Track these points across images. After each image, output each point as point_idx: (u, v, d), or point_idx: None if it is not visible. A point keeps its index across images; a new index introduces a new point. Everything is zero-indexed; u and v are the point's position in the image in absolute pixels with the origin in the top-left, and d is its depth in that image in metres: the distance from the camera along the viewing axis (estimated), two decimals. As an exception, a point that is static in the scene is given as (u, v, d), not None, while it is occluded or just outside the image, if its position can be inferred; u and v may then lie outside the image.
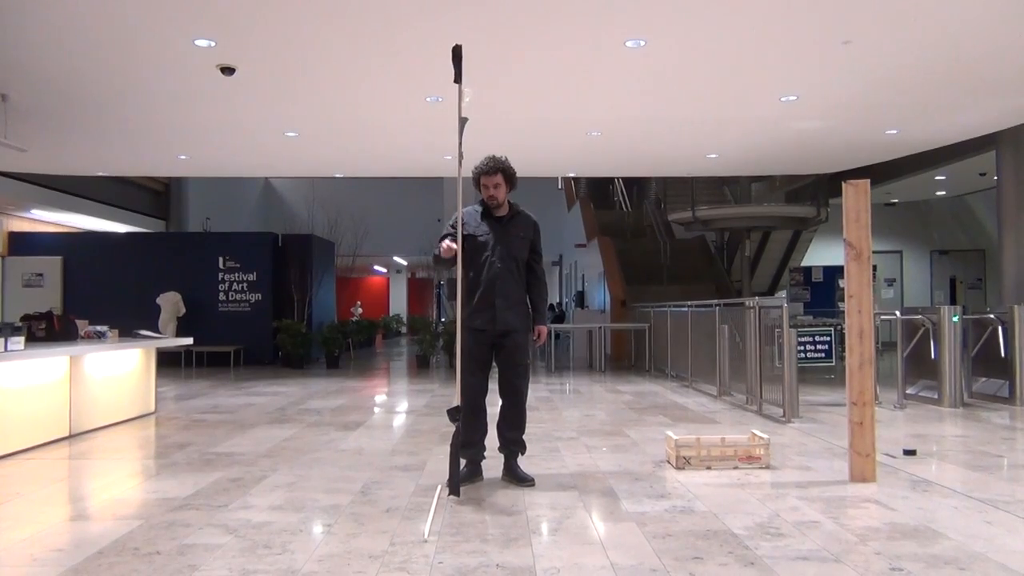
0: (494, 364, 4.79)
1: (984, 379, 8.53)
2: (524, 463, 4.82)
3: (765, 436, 5.20)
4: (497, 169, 4.66)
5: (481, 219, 4.73)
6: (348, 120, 9.35)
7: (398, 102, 8.52)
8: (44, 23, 6.26)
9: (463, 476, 4.56)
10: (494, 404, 4.76)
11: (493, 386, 4.77)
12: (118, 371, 7.36)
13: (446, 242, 4.54)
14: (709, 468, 4.98)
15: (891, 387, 8.39)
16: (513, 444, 4.76)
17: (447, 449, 4.52)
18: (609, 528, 3.76)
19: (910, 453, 5.47)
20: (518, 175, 4.80)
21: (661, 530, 3.68)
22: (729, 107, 8.84)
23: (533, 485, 4.61)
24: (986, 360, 8.46)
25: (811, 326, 7.82)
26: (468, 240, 4.59)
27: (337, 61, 7.22)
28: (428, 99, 8.36)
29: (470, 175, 4.71)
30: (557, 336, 15.18)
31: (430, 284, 29.03)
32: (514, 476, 4.69)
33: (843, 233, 4.75)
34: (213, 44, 6.68)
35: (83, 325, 7.46)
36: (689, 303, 10.66)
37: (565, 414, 7.74)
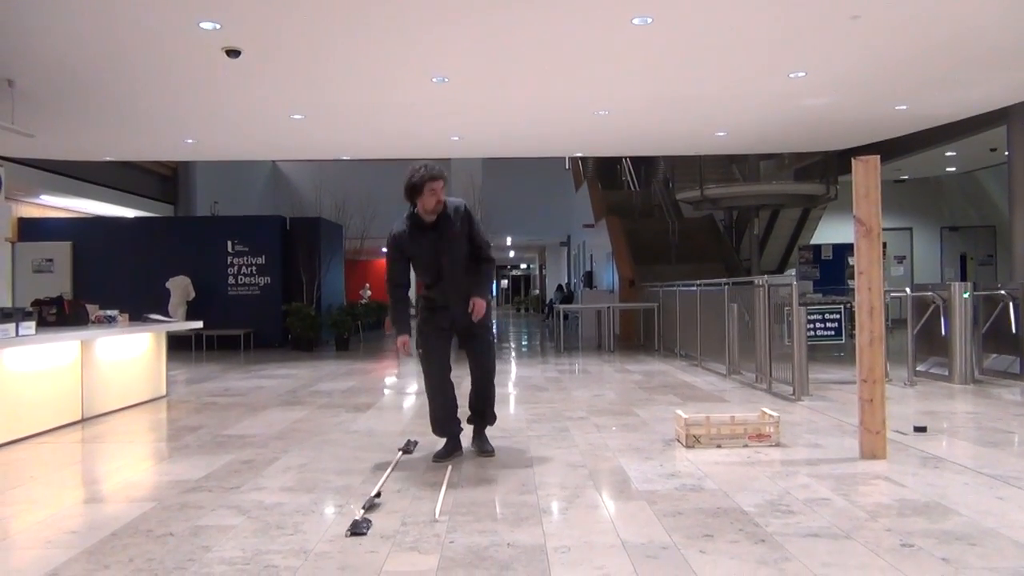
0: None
1: (995, 356, 8.49)
2: (535, 442, 4.87)
3: (775, 414, 5.20)
4: (442, 174, 4.62)
5: (414, 233, 4.68)
6: (354, 102, 9.32)
7: (404, 83, 8.48)
8: (49, 8, 6.25)
9: (445, 453, 4.77)
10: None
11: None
12: (129, 355, 7.40)
13: (399, 340, 4.72)
14: (719, 446, 4.98)
15: (901, 364, 8.36)
16: (481, 416, 4.94)
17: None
18: (619, 506, 3.77)
19: (920, 430, 5.46)
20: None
21: (671, 508, 3.69)
22: (737, 84, 8.77)
23: (492, 456, 4.79)
24: (997, 336, 8.42)
25: (821, 304, 7.78)
26: (412, 260, 4.72)
27: (343, 42, 7.18)
28: (434, 79, 8.32)
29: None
30: (566, 316, 15.18)
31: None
32: (479, 447, 4.90)
33: (853, 210, 4.72)
34: (218, 27, 6.66)
35: (93, 310, 7.48)
36: (698, 282, 10.63)
37: (574, 394, 7.75)
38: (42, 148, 11.49)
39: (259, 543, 3.26)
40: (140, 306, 9.16)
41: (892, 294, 8.84)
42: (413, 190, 4.61)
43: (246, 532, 3.41)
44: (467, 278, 4.75)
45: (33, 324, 5.86)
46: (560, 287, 26.82)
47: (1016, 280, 9.23)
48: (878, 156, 4.80)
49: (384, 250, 4.87)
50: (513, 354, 13.06)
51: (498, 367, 4.93)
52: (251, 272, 14.74)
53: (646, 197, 19.37)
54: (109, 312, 7.52)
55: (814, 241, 17.87)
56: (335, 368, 10.76)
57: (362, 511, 3.64)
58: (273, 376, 9.83)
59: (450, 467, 4.46)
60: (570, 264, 27.75)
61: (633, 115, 10.20)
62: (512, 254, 39.32)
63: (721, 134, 11.49)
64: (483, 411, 4.95)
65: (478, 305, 4.69)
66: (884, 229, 4.77)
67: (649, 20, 6.66)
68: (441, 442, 4.85)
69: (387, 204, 20.81)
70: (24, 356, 5.83)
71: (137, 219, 16.18)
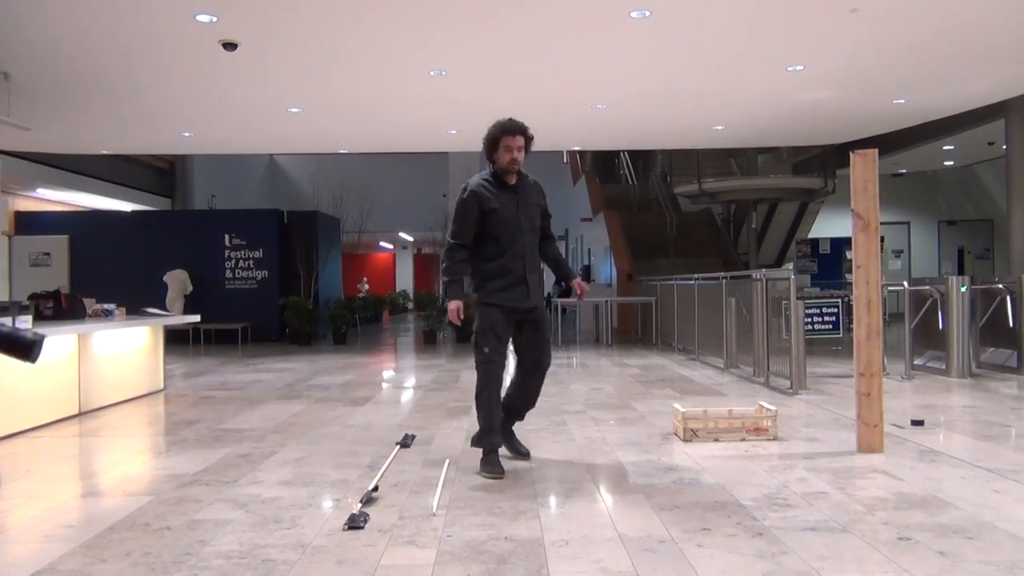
0: None
1: (992, 349, 8.50)
2: (533, 436, 4.85)
3: (772, 408, 5.20)
4: (521, 130, 4.37)
5: (497, 188, 4.41)
6: (351, 95, 9.29)
7: (402, 75, 8.46)
8: (45, 0, 6.22)
9: (500, 464, 4.28)
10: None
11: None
12: (126, 349, 7.39)
13: (454, 304, 4.36)
14: (716, 440, 4.98)
15: (899, 358, 8.37)
16: (519, 418, 4.71)
17: (454, 423, 4.55)
18: (617, 500, 3.77)
19: (918, 424, 5.46)
20: None
21: (669, 502, 3.69)
22: (735, 78, 8.76)
23: (528, 457, 4.59)
24: (994, 330, 8.42)
25: (818, 298, 7.79)
26: (491, 215, 4.35)
27: (340, 35, 7.16)
28: (432, 72, 8.30)
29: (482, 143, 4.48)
30: (564, 310, 15.18)
31: (436, 260, 29.02)
32: (513, 449, 4.63)
33: (851, 204, 4.72)
34: (214, 19, 6.64)
35: (90, 303, 7.47)
36: (696, 276, 10.62)
37: (572, 388, 7.75)
38: (38, 141, 11.46)
39: (256, 537, 3.25)
40: (137, 300, 9.14)
41: (890, 288, 8.84)
42: (489, 145, 4.40)
43: (243, 526, 3.41)
44: (537, 258, 4.52)
45: (30, 318, 5.84)
46: (558, 281, 26.80)
47: (1014, 274, 9.22)
48: (876, 150, 4.80)
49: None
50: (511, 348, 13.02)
51: None
52: (248, 266, 14.72)
53: (644, 191, 19.34)
54: (106, 306, 7.51)
55: (812, 235, 17.86)
56: (332, 362, 10.76)
57: (359, 505, 3.63)
58: (270, 370, 9.82)
59: (448, 461, 4.45)
60: (568, 258, 27.73)
61: (631, 109, 10.18)
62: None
63: (719, 128, 11.48)
64: (524, 412, 4.65)
65: (583, 286, 4.62)
66: (882, 223, 4.77)
67: (647, 13, 6.64)
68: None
69: (385, 197, 20.87)
70: (21, 350, 5.80)
71: (134, 213, 16.16)
